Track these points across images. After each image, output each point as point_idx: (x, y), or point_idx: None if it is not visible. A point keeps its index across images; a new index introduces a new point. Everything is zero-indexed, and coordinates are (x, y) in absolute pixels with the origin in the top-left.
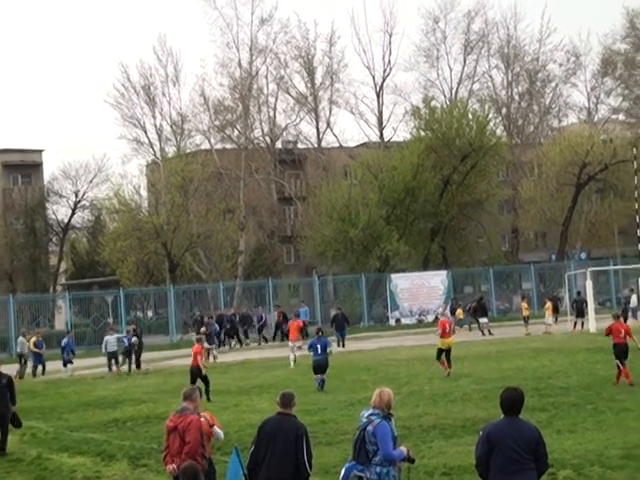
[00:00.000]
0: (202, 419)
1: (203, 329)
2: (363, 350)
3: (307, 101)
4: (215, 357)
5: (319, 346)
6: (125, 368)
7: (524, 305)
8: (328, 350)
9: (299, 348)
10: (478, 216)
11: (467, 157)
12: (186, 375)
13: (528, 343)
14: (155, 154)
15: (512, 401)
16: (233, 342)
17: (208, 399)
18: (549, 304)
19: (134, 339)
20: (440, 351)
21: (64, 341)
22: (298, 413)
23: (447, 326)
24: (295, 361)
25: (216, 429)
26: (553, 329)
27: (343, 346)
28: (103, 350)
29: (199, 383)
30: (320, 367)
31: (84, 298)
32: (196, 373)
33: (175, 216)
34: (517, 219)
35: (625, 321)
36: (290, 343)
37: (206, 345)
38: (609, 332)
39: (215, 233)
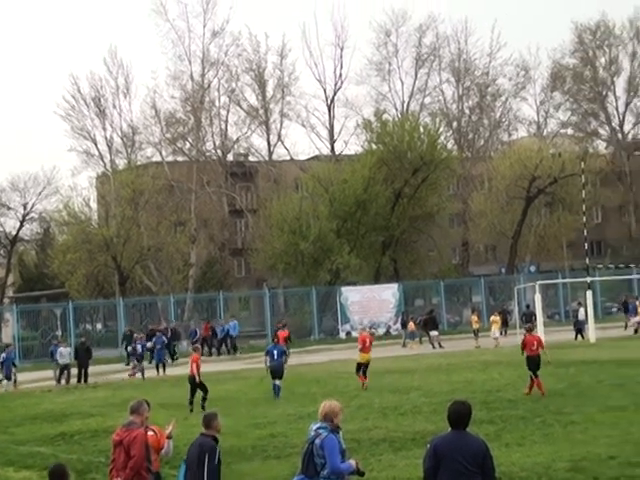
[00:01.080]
0: (150, 433)
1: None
2: (313, 363)
3: (258, 114)
4: (136, 373)
5: (275, 352)
6: (139, 375)
7: (474, 318)
8: (283, 358)
9: None
10: (429, 229)
11: (418, 170)
12: (135, 388)
13: (478, 356)
14: (105, 166)
15: (459, 414)
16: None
17: (203, 407)
18: (495, 317)
19: (149, 344)
20: (359, 365)
21: (2, 356)
22: (247, 427)
23: (367, 341)
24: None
25: (168, 443)
26: (500, 342)
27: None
28: (57, 361)
29: (199, 391)
30: (277, 372)
31: (32, 311)
32: (191, 382)
33: (125, 229)
34: (467, 232)
35: (578, 334)
36: None
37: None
38: (523, 346)
39: (166, 246)
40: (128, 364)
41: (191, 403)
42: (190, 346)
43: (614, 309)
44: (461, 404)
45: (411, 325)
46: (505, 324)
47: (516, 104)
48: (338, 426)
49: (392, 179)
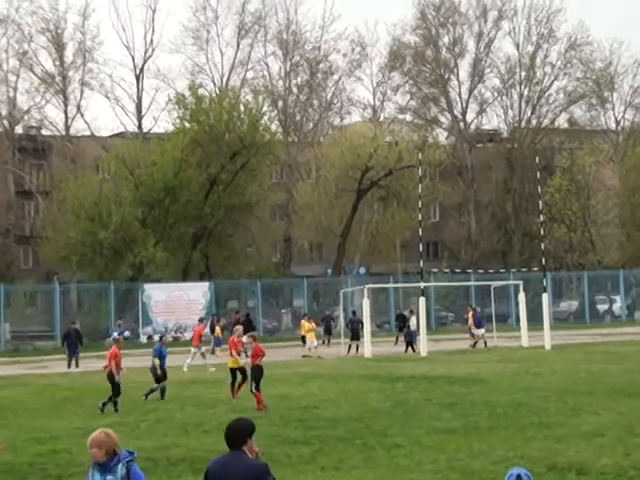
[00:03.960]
0: None
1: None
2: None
3: (54, 81)
4: None
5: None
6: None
7: (305, 324)
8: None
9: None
10: (247, 222)
11: (237, 154)
12: None
13: (296, 367)
14: None
15: (232, 433)
16: None
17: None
18: (309, 325)
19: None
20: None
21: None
22: (26, 441)
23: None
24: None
25: None
26: (319, 352)
27: (77, 366)
28: None
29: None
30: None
31: None
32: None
33: None
34: (291, 227)
35: (409, 346)
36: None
37: None
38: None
39: None
40: None
41: None
42: None
43: (449, 317)
44: (236, 422)
45: (218, 330)
46: (328, 332)
47: (350, 84)
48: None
49: (207, 163)
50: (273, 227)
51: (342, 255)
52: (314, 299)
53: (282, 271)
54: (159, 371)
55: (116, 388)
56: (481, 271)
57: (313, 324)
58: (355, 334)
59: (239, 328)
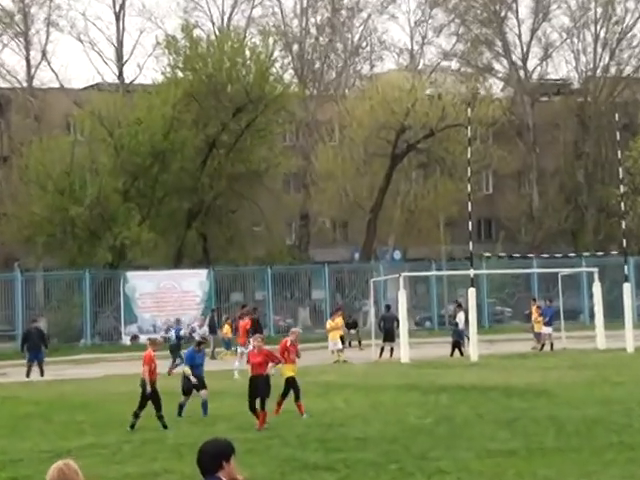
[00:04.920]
0: None
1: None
2: (83, 379)
3: (13, 21)
4: None
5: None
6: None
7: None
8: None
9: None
10: (255, 194)
11: (242, 111)
12: None
13: (316, 375)
14: None
15: (203, 457)
16: None
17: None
18: (335, 321)
19: (183, 331)
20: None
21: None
22: None
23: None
24: None
25: None
26: (346, 356)
27: (41, 374)
28: None
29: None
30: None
31: None
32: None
33: None
34: (309, 201)
35: (455, 348)
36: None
37: None
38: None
39: None
40: None
41: None
42: None
43: (506, 313)
44: (209, 443)
45: (226, 329)
46: (355, 331)
47: (382, 24)
48: None
49: (205, 122)
50: (287, 201)
51: (373, 236)
52: (337, 290)
53: (298, 256)
54: (193, 380)
55: (146, 398)
56: (546, 255)
57: (336, 321)
58: (389, 334)
59: (296, 331)
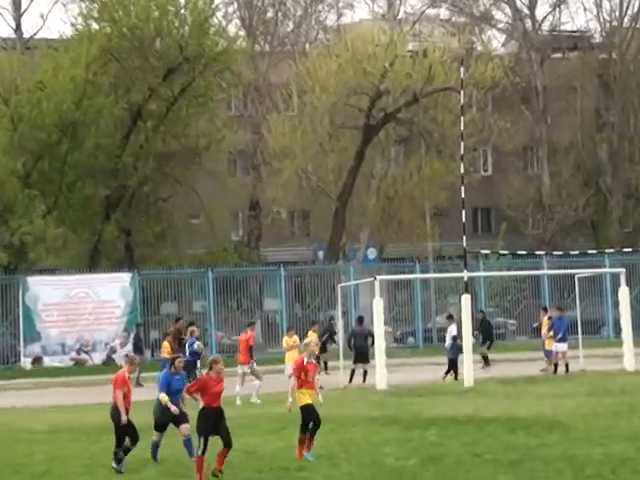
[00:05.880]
0: None
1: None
2: None
3: None
4: None
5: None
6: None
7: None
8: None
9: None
10: (192, 178)
11: (174, 72)
12: None
13: (271, 406)
14: None
15: None
16: None
17: None
18: (290, 339)
19: (197, 345)
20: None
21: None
22: None
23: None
24: None
25: None
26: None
27: None
28: None
29: None
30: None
31: None
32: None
33: None
34: (260, 186)
35: (450, 369)
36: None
37: None
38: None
39: None
40: None
41: None
42: None
43: (509, 326)
44: None
45: (165, 346)
46: (324, 348)
47: None
48: None
49: (128, 86)
50: (232, 186)
51: (341, 230)
52: (297, 299)
53: (247, 255)
54: (174, 410)
55: (121, 431)
56: (559, 253)
57: (296, 339)
58: (361, 353)
59: (311, 342)
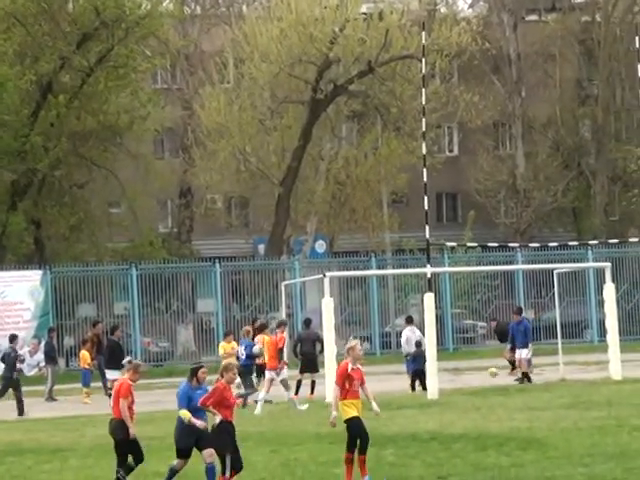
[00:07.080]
0: None
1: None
2: None
3: None
4: None
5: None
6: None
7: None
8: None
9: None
10: (112, 161)
11: (90, 39)
12: None
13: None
14: None
15: None
16: None
17: None
18: (228, 345)
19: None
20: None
21: None
22: None
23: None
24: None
25: None
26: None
27: None
28: None
29: None
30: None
31: None
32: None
33: None
34: (191, 170)
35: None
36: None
37: None
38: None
39: None
40: None
41: None
42: None
43: (479, 329)
44: None
45: (84, 357)
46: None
47: None
48: None
49: (36, 55)
50: (160, 170)
51: (284, 220)
52: (235, 299)
53: (176, 249)
54: (201, 425)
55: (125, 448)
56: (535, 245)
57: (235, 345)
58: (309, 361)
59: (356, 345)
